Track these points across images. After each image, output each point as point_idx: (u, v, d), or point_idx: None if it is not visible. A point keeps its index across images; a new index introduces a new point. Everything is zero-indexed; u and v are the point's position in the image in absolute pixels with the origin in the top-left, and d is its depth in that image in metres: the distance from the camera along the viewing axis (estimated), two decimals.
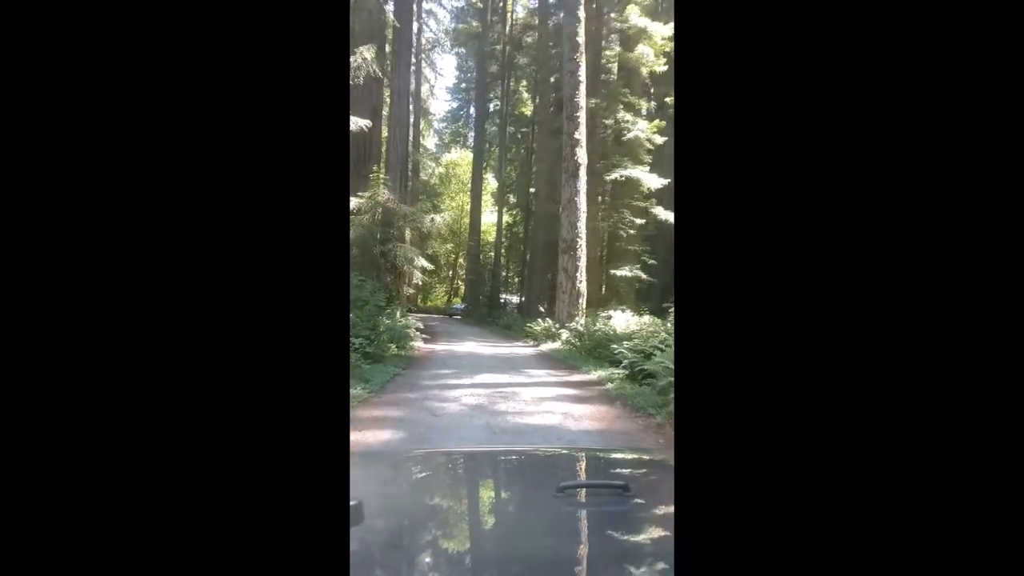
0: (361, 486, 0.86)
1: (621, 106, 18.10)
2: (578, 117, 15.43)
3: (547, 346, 14.67)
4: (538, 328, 16.27)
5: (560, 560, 0.85)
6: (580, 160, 15.43)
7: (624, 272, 17.98)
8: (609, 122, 18.53)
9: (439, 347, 14.00)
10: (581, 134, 15.51)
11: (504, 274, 31.59)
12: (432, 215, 14.38)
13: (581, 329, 14.10)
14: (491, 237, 32.55)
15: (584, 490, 1.09)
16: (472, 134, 33.30)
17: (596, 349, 12.30)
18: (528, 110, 33.34)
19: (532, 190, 27.36)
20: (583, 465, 1.50)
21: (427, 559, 0.87)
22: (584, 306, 15.47)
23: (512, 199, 30.69)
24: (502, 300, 29.13)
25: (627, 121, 17.82)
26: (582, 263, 15.48)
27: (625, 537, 0.95)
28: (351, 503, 0.67)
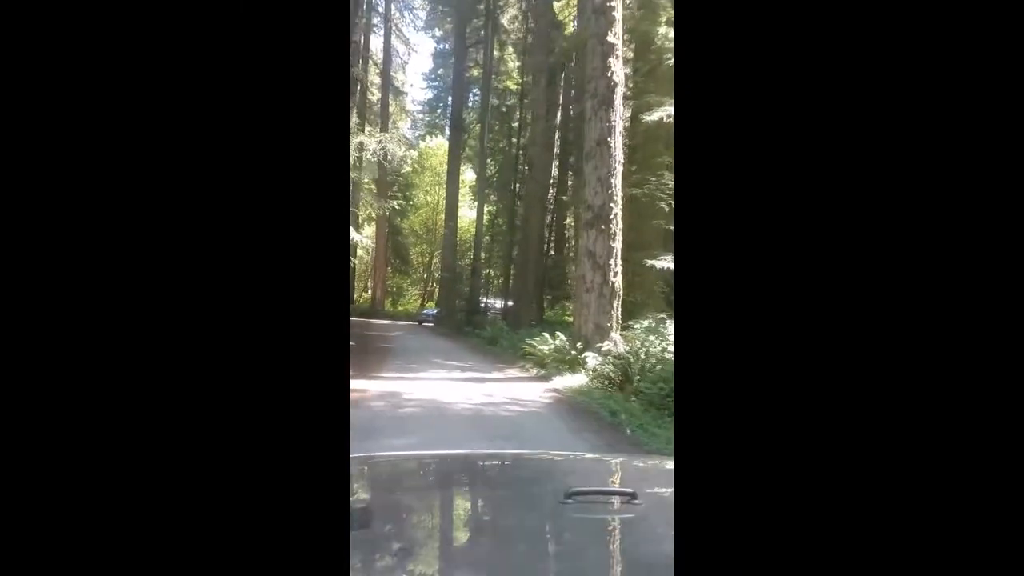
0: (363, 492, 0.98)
1: (664, 19, 11.80)
2: (612, 8, 9.13)
3: (566, 381, 8.30)
4: (545, 348, 9.87)
5: (568, 568, 0.83)
6: (616, 78, 9.14)
7: (664, 263, 11.64)
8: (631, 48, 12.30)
9: (376, 387, 7.39)
10: (617, 36, 9.21)
11: (486, 272, 24.80)
12: (361, 138, 7.81)
13: (623, 352, 7.79)
14: (470, 235, 25.76)
15: (592, 497, 1.02)
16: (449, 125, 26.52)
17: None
18: (514, 83, 27.14)
19: (520, 171, 21.02)
20: (590, 472, 1.42)
21: (432, 565, 0.85)
22: (619, 314, 9.15)
23: (494, 190, 24.18)
24: (483, 304, 22.51)
25: (671, 39, 11.53)
26: (618, 244, 9.17)
27: (633, 545, 0.92)
28: (359, 506, 0.69)
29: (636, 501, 0.94)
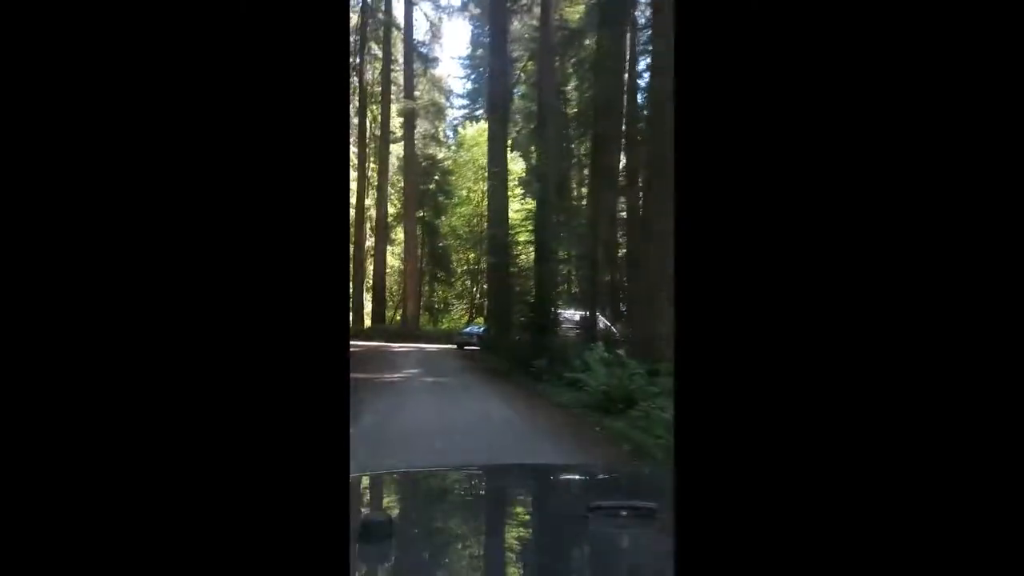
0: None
1: None
2: None
3: None
4: None
5: None
6: None
7: None
8: None
9: None
10: None
11: (562, 266, 15.62)
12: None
13: None
14: (522, 237, 16.97)
15: (613, 510, 1.00)
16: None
17: None
18: (577, 12, 18.90)
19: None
20: (612, 486, 1.39)
21: None
22: None
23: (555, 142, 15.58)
24: (554, 315, 13.43)
25: None
26: None
27: (654, 559, 0.90)
28: (381, 519, 0.67)
29: (657, 515, 0.94)
